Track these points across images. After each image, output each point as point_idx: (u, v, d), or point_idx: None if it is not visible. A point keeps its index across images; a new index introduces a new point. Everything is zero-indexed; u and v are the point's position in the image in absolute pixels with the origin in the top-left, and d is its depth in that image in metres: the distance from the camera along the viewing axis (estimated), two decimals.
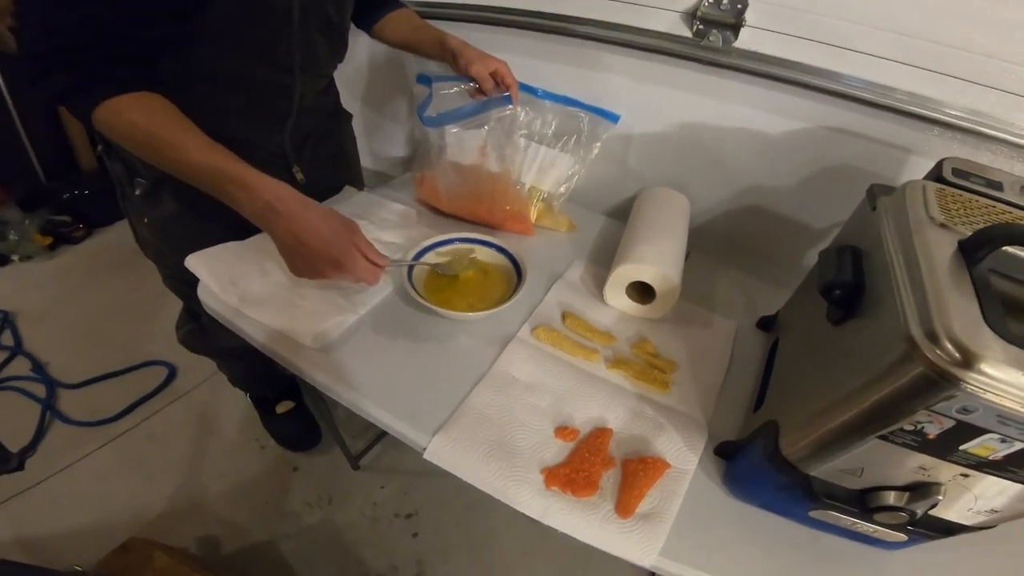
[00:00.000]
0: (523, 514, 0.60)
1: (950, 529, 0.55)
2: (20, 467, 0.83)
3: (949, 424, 0.43)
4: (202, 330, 1.16)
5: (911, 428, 0.45)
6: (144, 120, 0.64)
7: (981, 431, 0.43)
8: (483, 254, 0.89)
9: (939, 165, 0.67)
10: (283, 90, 0.82)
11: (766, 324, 0.88)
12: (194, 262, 0.78)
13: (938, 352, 0.40)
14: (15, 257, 2.09)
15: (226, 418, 1.59)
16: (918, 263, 0.48)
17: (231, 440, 1.53)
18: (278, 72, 0.80)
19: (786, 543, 0.60)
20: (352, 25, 0.94)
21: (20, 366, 1.69)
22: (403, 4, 1.04)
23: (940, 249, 0.49)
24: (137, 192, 0.84)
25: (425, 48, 0.98)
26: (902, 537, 0.58)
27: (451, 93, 0.96)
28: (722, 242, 1.07)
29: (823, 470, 0.54)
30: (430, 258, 0.87)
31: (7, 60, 1.95)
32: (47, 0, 0.59)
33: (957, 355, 0.40)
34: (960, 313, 0.42)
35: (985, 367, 0.39)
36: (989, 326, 0.41)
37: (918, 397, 0.43)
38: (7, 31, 1.92)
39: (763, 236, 1.03)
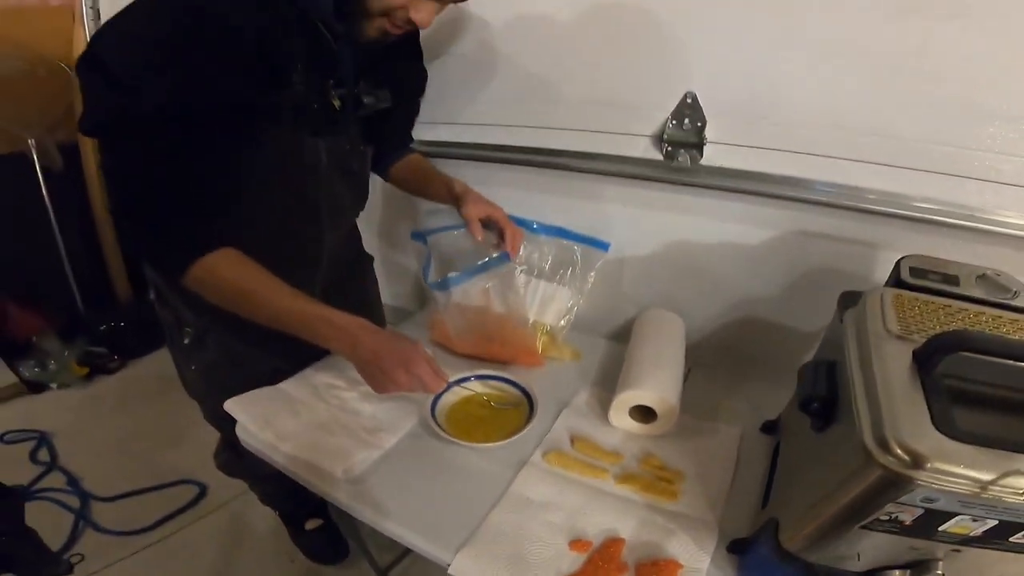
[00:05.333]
0: None
1: None
2: (70, 571, 0.87)
3: (919, 512, 0.48)
4: (239, 457, 1.20)
5: (886, 518, 0.50)
6: (235, 275, 0.76)
7: (951, 514, 0.48)
8: (498, 388, 0.97)
9: (897, 266, 0.73)
10: (312, 240, 0.93)
11: (769, 428, 0.92)
12: (232, 405, 0.87)
13: (890, 457, 0.46)
14: (53, 385, 2.20)
15: (256, 532, 1.62)
16: (873, 376, 0.55)
17: (261, 552, 1.56)
18: (307, 221, 0.91)
19: None
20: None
21: (55, 480, 1.77)
22: (413, 149, 1.14)
23: (895, 360, 0.56)
24: (185, 340, 0.95)
25: (434, 194, 1.06)
26: None
27: (454, 237, 1.04)
28: (721, 353, 1.11)
29: (822, 557, 0.58)
30: (459, 391, 0.95)
31: (54, 180, 2.11)
32: (135, 153, 0.71)
33: (907, 458, 0.46)
34: (909, 419, 0.48)
35: (933, 465, 0.45)
36: (936, 427, 0.47)
37: (882, 495, 0.48)
38: (55, 148, 2.11)
39: (759, 345, 1.07)
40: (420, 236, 1.11)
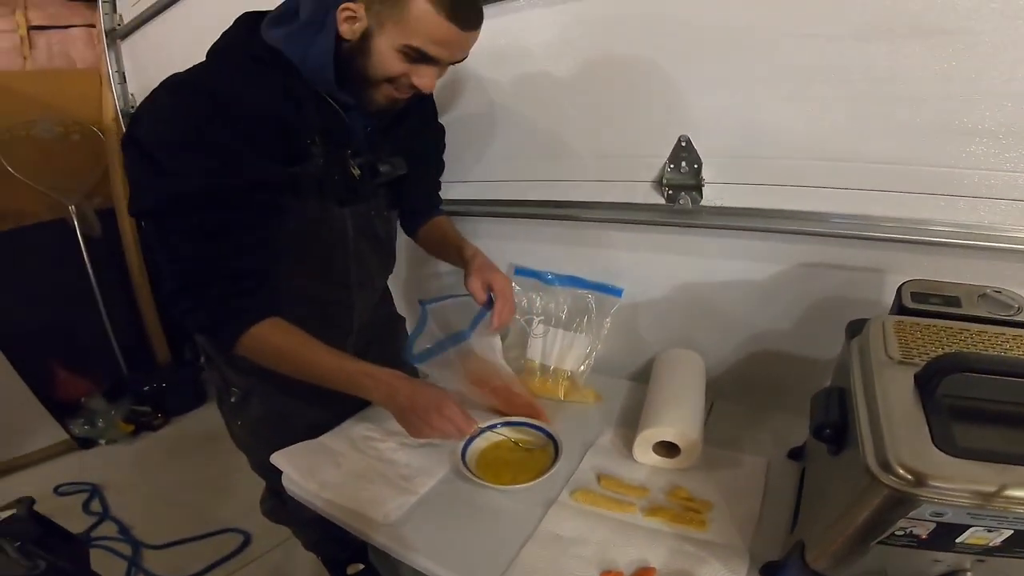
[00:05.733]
0: None
1: None
2: None
3: (932, 526, 0.51)
4: (283, 504, 1.25)
5: (902, 533, 0.53)
6: (281, 342, 0.84)
7: (964, 527, 0.50)
8: (524, 432, 1.00)
9: (899, 292, 0.74)
10: (344, 307, 0.99)
11: (796, 454, 0.93)
12: (278, 458, 0.93)
13: (893, 477, 0.50)
14: (102, 441, 2.33)
15: None
16: (876, 401, 0.58)
17: None
18: (336, 288, 0.97)
19: None
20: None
21: (108, 529, 1.88)
22: (441, 211, 1.16)
23: (898, 385, 0.58)
24: (232, 399, 1.02)
25: (449, 257, 1.08)
26: None
27: (455, 303, 1.06)
28: (743, 386, 1.12)
29: (849, 575, 0.61)
30: (490, 436, 0.99)
31: (93, 245, 2.22)
32: (180, 233, 0.77)
33: (910, 477, 0.49)
34: (910, 440, 0.52)
35: (935, 482, 0.48)
36: (937, 446, 0.51)
37: (891, 512, 0.51)
38: (92, 213, 2.22)
39: (779, 375, 1.07)
40: (423, 304, 1.11)
